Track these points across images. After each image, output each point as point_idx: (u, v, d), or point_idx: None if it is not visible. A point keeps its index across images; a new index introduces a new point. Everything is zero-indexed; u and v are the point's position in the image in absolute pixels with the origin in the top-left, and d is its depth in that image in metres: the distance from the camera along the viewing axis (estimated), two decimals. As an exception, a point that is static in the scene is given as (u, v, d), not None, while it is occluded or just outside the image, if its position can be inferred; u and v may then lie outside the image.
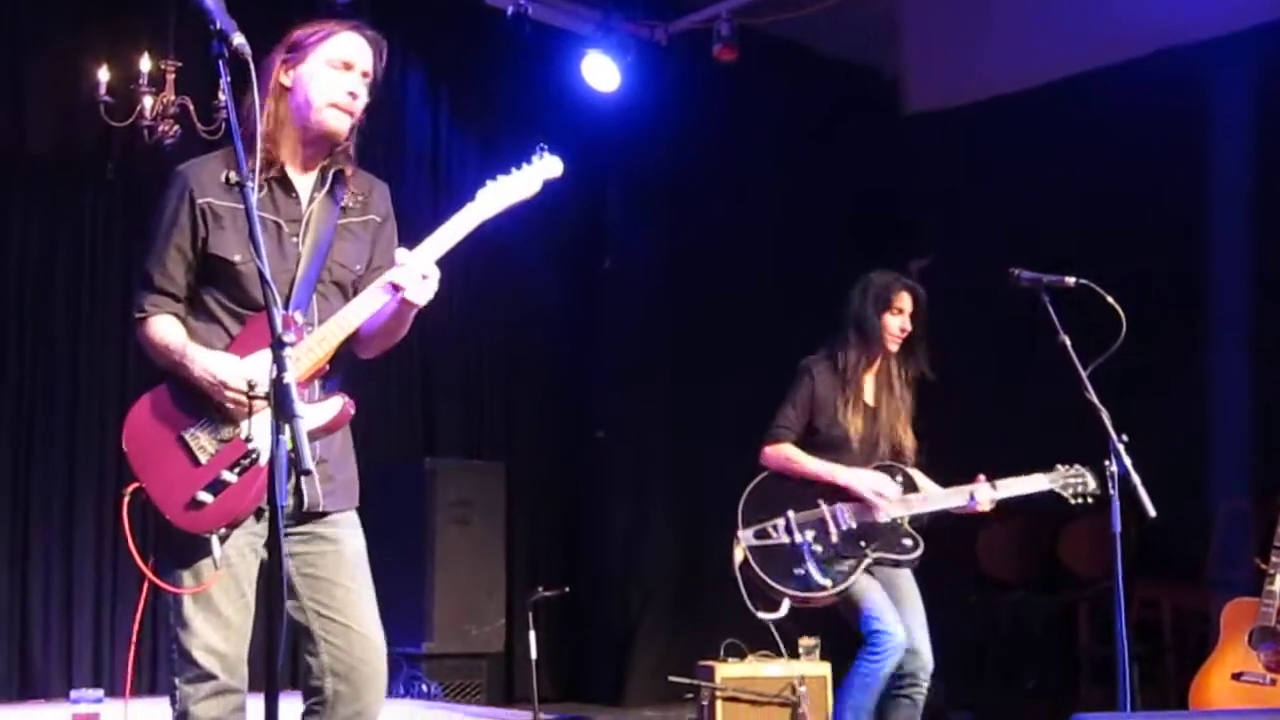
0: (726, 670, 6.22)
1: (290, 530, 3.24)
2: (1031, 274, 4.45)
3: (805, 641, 6.49)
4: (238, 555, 3.20)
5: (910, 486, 5.19)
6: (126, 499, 3.16)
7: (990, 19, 8.78)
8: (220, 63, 2.81)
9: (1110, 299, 4.26)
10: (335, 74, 3.30)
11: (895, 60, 9.44)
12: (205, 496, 3.13)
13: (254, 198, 2.76)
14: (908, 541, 5.14)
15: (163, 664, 5.69)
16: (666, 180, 8.48)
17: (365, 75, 3.36)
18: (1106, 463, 4.14)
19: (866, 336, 5.27)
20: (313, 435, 3.18)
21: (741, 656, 6.38)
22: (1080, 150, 7.96)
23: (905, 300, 5.31)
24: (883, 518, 5.09)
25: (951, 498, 5.13)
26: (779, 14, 8.03)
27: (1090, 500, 5.05)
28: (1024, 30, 8.56)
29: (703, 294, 8.48)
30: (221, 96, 3.37)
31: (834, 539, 5.09)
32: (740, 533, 5.12)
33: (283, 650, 2.64)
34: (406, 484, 7.46)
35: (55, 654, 6.81)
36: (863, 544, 5.10)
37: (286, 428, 2.55)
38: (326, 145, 3.35)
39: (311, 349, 3.20)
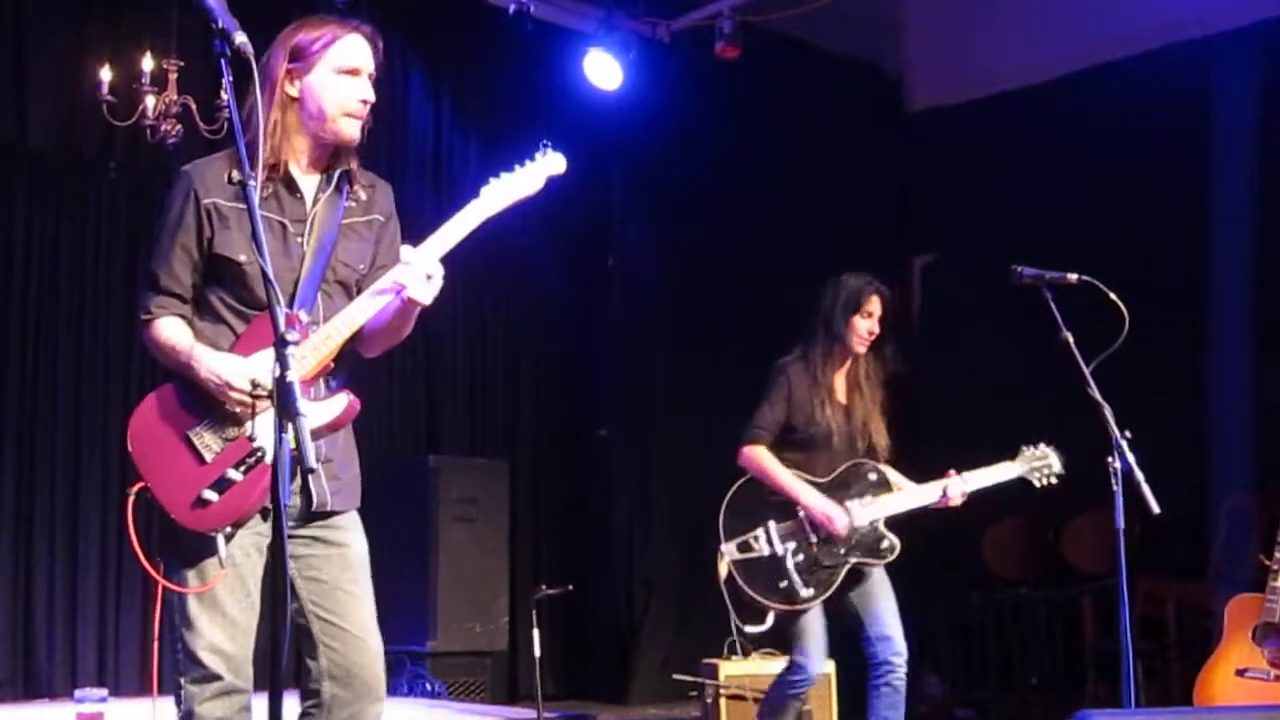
0: (730, 668, 6.23)
1: (295, 532, 3.24)
2: (1033, 270, 4.45)
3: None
4: (243, 555, 3.20)
5: (883, 484, 5.25)
6: (131, 498, 3.16)
7: (993, 15, 8.78)
8: (222, 62, 2.80)
9: (1113, 295, 4.25)
10: (345, 82, 3.30)
11: (898, 57, 9.44)
12: (211, 495, 3.13)
13: (256, 197, 2.75)
14: (885, 543, 5.20)
15: (170, 663, 5.69)
16: (669, 178, 8.48)
17: (371, 76, 3.35)
18: (1110, 459, 4.14)
19: (836, 338, 5.34)
20: (318, 433, 3.19)
21: (745, 654, 6.39)
22: (1084, 146, 7.96)
23: (875, 304, 5.37)
24: (860, 521, 5.15)
25: (924, 494, 5.21)
26: (781, 11, 8.02)
27: (1056, 481, 5.18)
28: (1027, 26, 8.56)
29: (706, 291, 8.48)
30: (224, 96, 3.36)
31: (814, 548, 5.15)
32: (723, 546, 5.17)
33: (287, 649, 2.64)
34: (410, 482, 7.46)
35: (59, 653, 6.82)
36: (842, 550, 5.15)
37: (290, 426, 2.55)
38: (335, 148, 3.35)
39: (316, 347, 3.21)
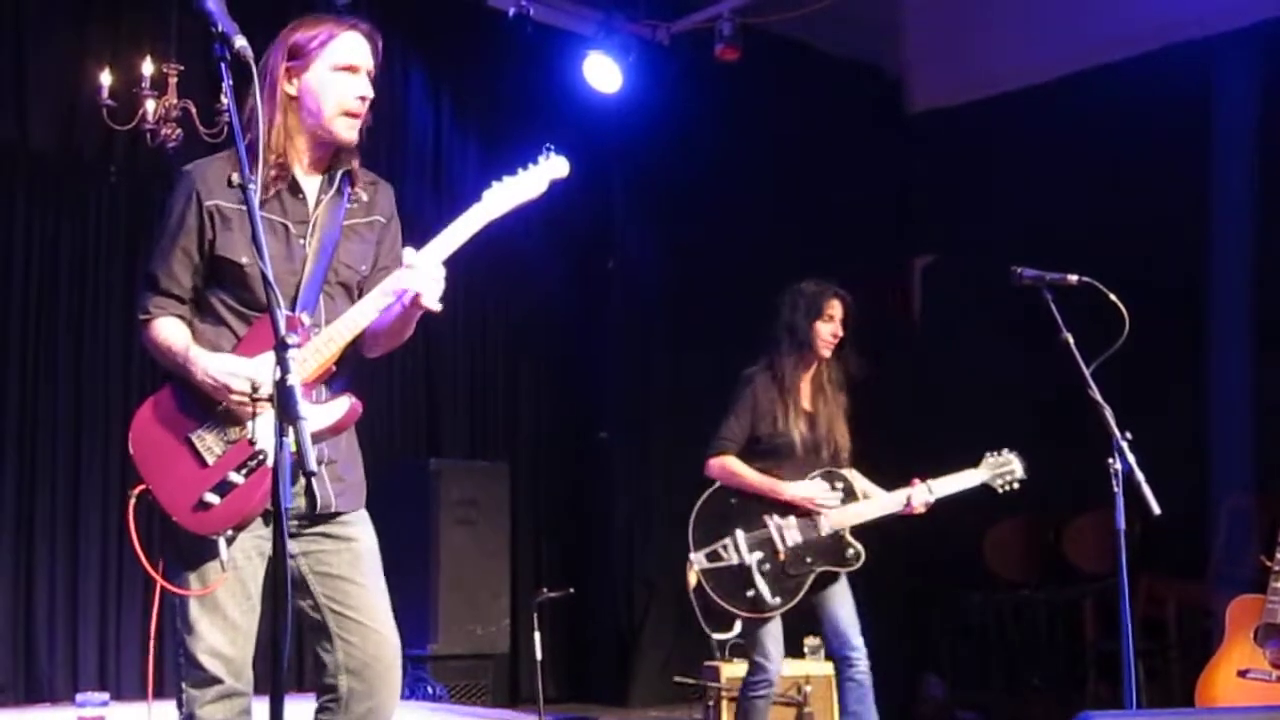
0: (731, 670, 6.23)
1: (302, 530, 3.24)
2: (1034, 271, 4.45)
3: (810, 641, 6.51)
4: (244, 558, 3.19)
5: (849, 493, 5.33)
6: (132, 501, 3.16)
7: (992, 16, 8.78)
8: (222, 66, 2.80)
9: (1113, 296, 4.25)
10: (343, 79, 3.29)
11: (898, 58, 9.45)
12: (212, 498, 3.13)
13: (256, 200, 2.75)
14: (850, 552, 5.27)
15: (171, 666, 5.69)
16: (669, 180, 8.48)
17: (369, 74, 3.35)
18: (1111, 460, 4.14)
19: (800, 344, 5.40)
20: (320, 436, 3.18)
21: (746, 657, 6.39)
22: (1084, 147, 7.96)
23: (836, 308, 5.43)
24: (825, 530, 5.23)
25: (890, 502, 5.30)
26: (781, 13, 8.03)
27: (1017, 486, 5.30)
28: (1026, 27, 8.56)
29: (706, 293, 8.48)
30: (224, 99, 3.36)
31: (781, 556, 5.22)
32: (692, 555, 5.27)
33: (287, 652, 2.63)
34: (411, 485, 7.46)
35: (60, 657, 6.82)
36: (809, 560, 5.23)
37: (291, 429, 2.55)
38: (335, 149, 3.35)
39: (319, 350, 3.20)
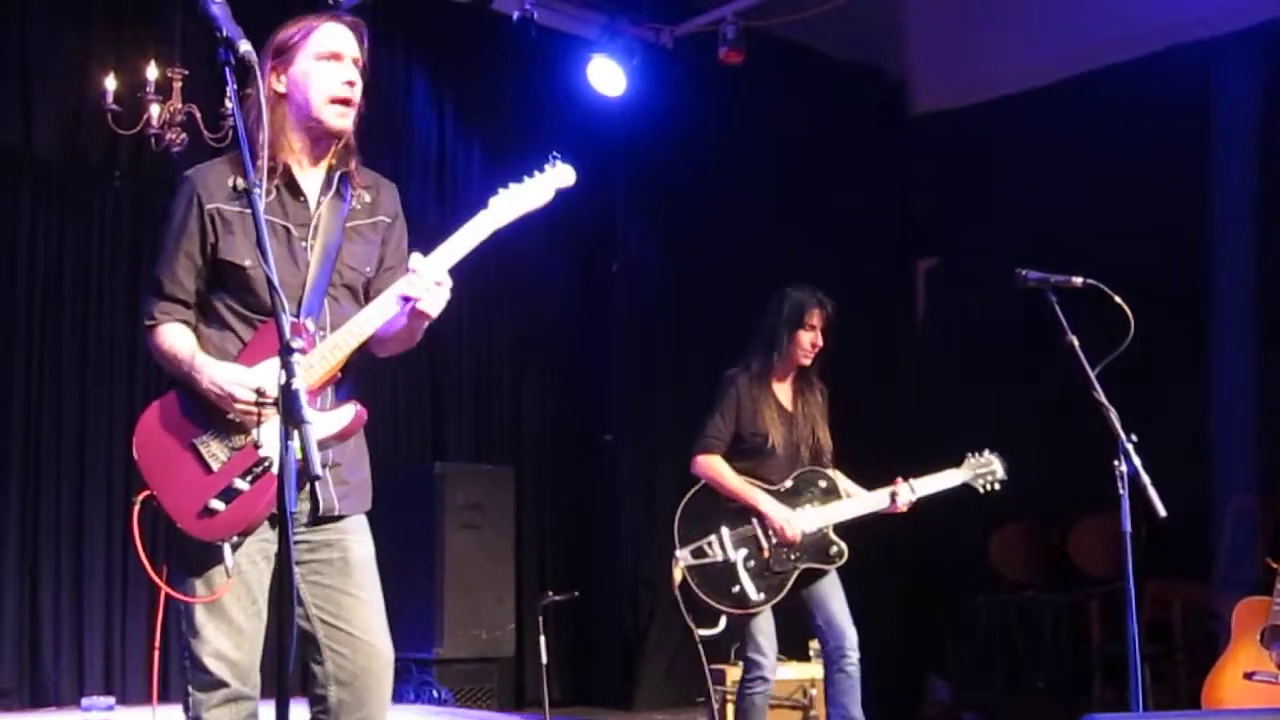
0: (737, 674, 6.22)
1: (298, 538, 3.24)
2: (1038, 274, 4.45)
3: (816, 644, 6.50)
4: (249, 563, 3.19)
5: (832, 491, 5.41)
6: (137, 507, 3.16)
7: (994, 18, 8.77)
8: (227, 70, 2.81)
9: (1118, 298, 4.25)
10: (327, 67, 3.28)
11: (900, 61, 9.44)
12: (217, 504, 3.12)
13: (261, 205, 2.75)
14: (833, 549, 5.35)
15: (176, 670, 5.70)
16: (673, 183, 8.48)
17: (356, 61, 3.33)
18: (1116, 462, 4.14)
19: (781, 351, 5.50)
20: (326, 443, 3.18)
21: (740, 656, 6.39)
22: (1086, 149, 7.95)
23: (817, 317, 5.51)
24: (809, 527, 5.29)
25: (872, 501, 5.38)
26: (785, 16, 8.03)
27: (998, 487, 5.38)
28: (1029, 30, 8.55)
29: (710, 296, 8.47)
30: (228, 104, 3.37)
31: (765, 554, 5.30)
32: (678, 552, 5.32)
33: (294, 656, 2.63)
34: (416, 489, 7.46)
35: (66, 661, 6.82)
36: (792, 557, 5.31)
37: (296, 434, 2.55)
38: (330, 142, 3.34)
39: (324, 356, 3.20)
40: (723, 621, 5.35)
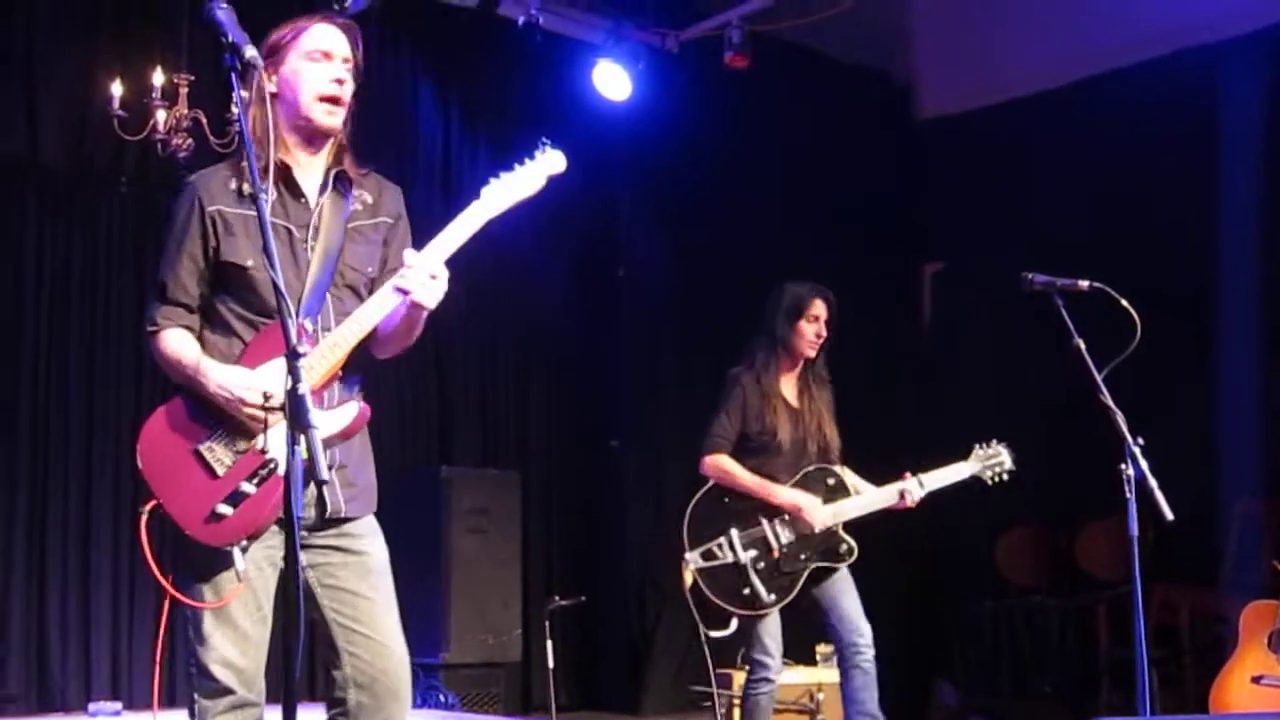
0: (744, 677, 6.22)
1: (312, 541, 3.24)
2: (1044, 277, 4.45)
3: (823, 649, 6.51)
4: (254, 569, 3.19)
5: (841, 488, 5.38)
6: (144, 517, 3.15)
7: (1001, 22, 8.78)
8: (233, 76, 2.82)
9: (1124, 302, 4.25)
10: (316, 66, 3.30)
11: (907, 65, 9.44)
12: (225, 509, 3.12)
13: (268, 211, 2.75)
14: (844, 547, 5.33)
15: (181, 676, 5.70)
16: (679, 187, 8.49)
17: (346, 61, 3.34)
18: (1123, 466, 4.13)
19: (784, 345, 5.48)
20: (330, 441, 3.18)
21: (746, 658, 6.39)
22: (1092, 153, 7.95)
23: (819, 308, 5.49)
24: (819, 526, 5.27)
25: (882, 497, 5.35)
26: (790, 20, 8.04)
27: (1007, 477, 5.33)
28: (1035, 33, 8.56)
29: (716, 300, 8.46)
30: (234, 109, 3.37)
31: (775, 554, 5.29)
32: (687, 555, 5.31)
33: (299, 662, 2.63)
34: (422, 493, 7.46)
35: (73, 666, 6.82)
36: (803, 556, 5.29)
37: (302, 438, 2.55)
38: (322, 141, 3.35)
39: (325, 355, 3.20)
40: (734, 623, 5.31)
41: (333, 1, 6.69)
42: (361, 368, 3.37)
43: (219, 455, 3.17)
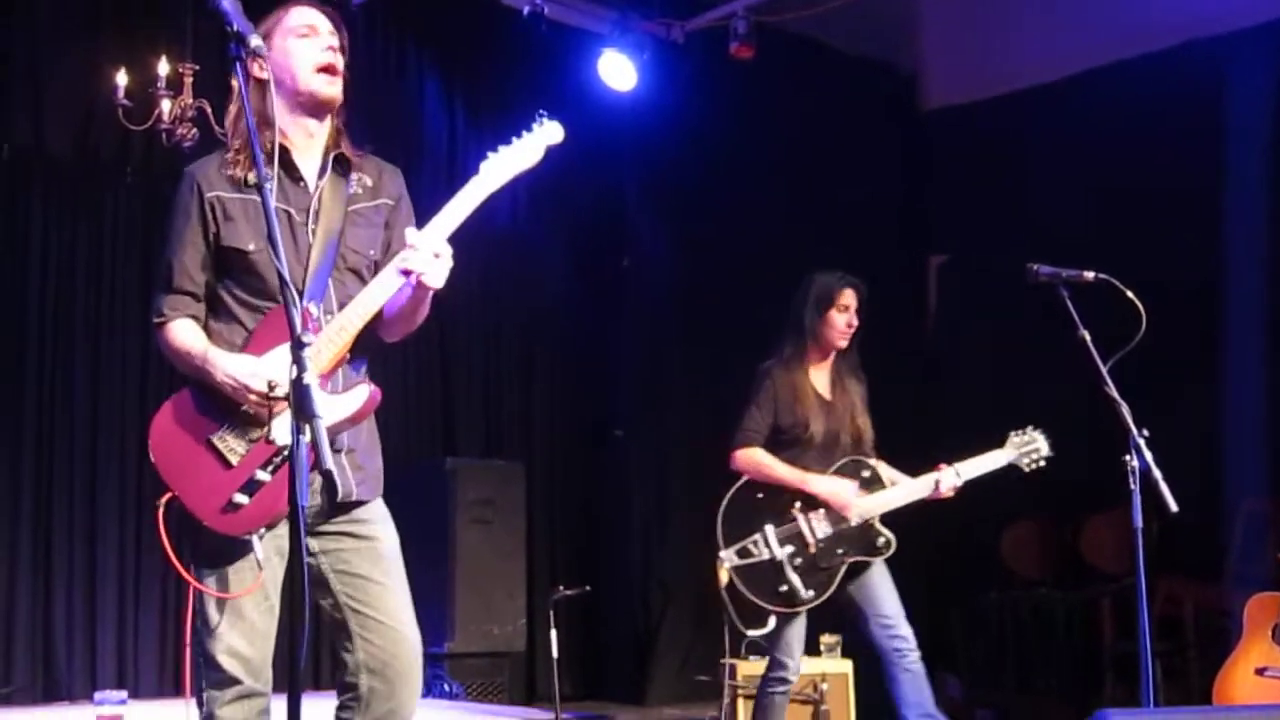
0: (748, 668, 6.23)
1: (322, 528, 3.24)
2: (1050, 269, 4.44)
3: (826, 639, 6.51)
4: (264, 559, 3.19)
5: (876, 480, 5.30)
6: (161, 510, 3.15)
7: (1008, 13, 8.76)
8: (238, 65, 2.82)
9: (1130, 294, 4.24)
10: (304, 41, 3.32)
11: (913, 55, 9.43)
12: (241, 498, 3.13)
13: (272, 199, 2.76)
14: (881, 540, 5.25)
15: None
16: (684, 178, 8.47)
17: (332, 34, 3.36)
18: (1127, 458, 4.13)
19: (814, 336, 5.40)
20: (339, 426, 3.19)
21: (763, 654, 6.39)
22: (1099, 144, 7.94)
23: (849, 297, 5.41)
24: (855, 520, 5.20)
25: (917, 488, 5.25)
26: (796, 11, 8.02)
27: (1044, 464, 5.21)
28: (1042, 24, 8.54)
29: (720, 292, 8.47)
30: (233, 98, 3.38)
31: (812, 550, 5.20)
32: (722, 553, 5.22)
33: (305, 651, 2.64)
34: (427, 484, 7.47)
35: (79, 656, 6.84)
36: (840, 551, 5.21)
37: (307, 427, 2.55)
38: (323, 115, 3.36)
39: (331, 340, 3.20)
40: (772, 621, 5.20)
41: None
42: (368, 351, 3.37)
43: (232, 445, 3.17)
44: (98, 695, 5.84)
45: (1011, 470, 5.26)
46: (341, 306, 3.25)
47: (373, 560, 3.30)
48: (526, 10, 7.62)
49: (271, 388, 3.08)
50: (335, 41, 3.34)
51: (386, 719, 3.28)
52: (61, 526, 6.85)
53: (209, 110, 6.42)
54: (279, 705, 2.83)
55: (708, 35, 8.42)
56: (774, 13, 8.09)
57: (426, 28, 8.00)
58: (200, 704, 3.23)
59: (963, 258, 9.17)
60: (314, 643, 4.08)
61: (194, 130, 6.36)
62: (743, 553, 5.20)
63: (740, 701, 6.18)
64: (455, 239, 3.26)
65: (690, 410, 8.60)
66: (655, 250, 8.68)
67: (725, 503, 5.31)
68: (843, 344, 5.41)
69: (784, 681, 5.26)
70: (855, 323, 5.41)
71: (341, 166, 3.37)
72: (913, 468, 5.37)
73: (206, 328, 3.29)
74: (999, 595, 8.07)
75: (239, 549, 3.15)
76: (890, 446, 5.61)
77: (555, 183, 7.77)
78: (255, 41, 2.81)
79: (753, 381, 5.43)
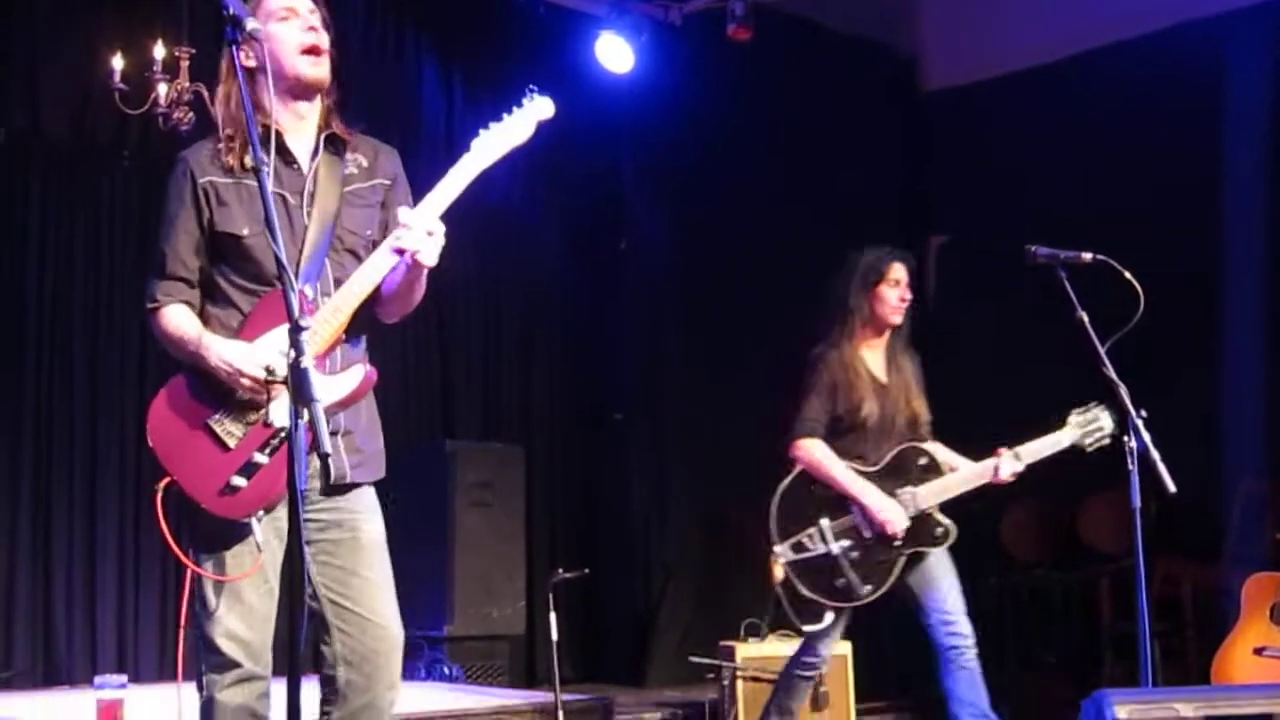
0: (747, 650, 6.24)
1: (310, 515, 3.24)
2: (1048, 250, 4.44)
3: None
4: (262, 542, 3.20)
5: (933, 468, 5.14)
6: (160, 494, 3.16)
7: (1006, -6, 8.76)
8: (234, 49, 2.82)
9: (1128, 274, 4.24)
10: (286, 24, 3.31)
11: (911, 37, 9.41)
12: (239, 481, 3.13)
13: (269, 183, 2.76)
14: (939, 530, 5.12)
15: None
16: (681, 161, 8.46)
17: (314, 13, 3.35)
18: (1126, 438, 4.14)
19: (866, 315, 5.24)
20: (336, 408, 3.18)
21: (762, 636, 6.40)
22: (1098, 125, 7.92)
23: (899, 270, 5.28)
24: (912, 510, 5.06)
25: (976, 474, 5.11)
26: (794, -8, 8.01)
27: (1108, 442, 4.93)
28: (1040, 5, 8.53)
29: (718, 274, 8.47)
30: (224, 82, 3.37)
31: (869, 542, 5.06)
32: (777, 548, 5.06)
33: (304, 635, 2.64)
34: (426, 467, 7.47)
35: (79, 640, 6.85)
36: (897, 543, 5.07)
37: (305, 410, 2.55)
38: (311, 97, 3.35)
39: (326, 321, 3.19)
40: (829, 616, 5.05)
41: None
42: (364, 331, 3.37)
43: (229, 428, 3.17)
44: (98, 679, 5.85)
45: (1074, 451, 5.04)
46: (337, 288, 3.25)
47: (356, 553, 3.30)
48: (524, -7, 7.62)
49: (270, 371, 3.07)
50: (316, 20, 3.33)
51: (363, 712, 3.28)
52: (61, 510, 6.86)
53: (206, 94, 6.40)
54: (279, 688, 2.84)
55: (705, 17, 8.40)
56: (771, -6, 8.08)
57: (424, 10, 7.98)
58: (200, 687, 3.23)
59: (962, 239, 9.16)
60: (312, 628, 4.08)
61: (190, 114, 6.35)
62: (798, 547, 5.05)
63: (740, 683, 6.19)
64: (453, 222, 3.25)
65: (689, 392, 8.60)
66: (653, 233, 8.67)
67: (779, 495, 5.14)
68: (897, 320, 5.25)
69: (814, 668, 5.20)
70: (908, 297, 5.26)
71: (335, 146, 3.37)
72: (1001, 448, 5.15)
73: (203, 312, 3.29)
74: (998, 578, 8.08)
75: (238, 532, 3.15)
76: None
77: (553, 166, 7.77)
78: (252, 24, 2.81)
79: (804, 369, 5.24)
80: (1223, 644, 5.57)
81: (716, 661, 6.25)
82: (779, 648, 6.24)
